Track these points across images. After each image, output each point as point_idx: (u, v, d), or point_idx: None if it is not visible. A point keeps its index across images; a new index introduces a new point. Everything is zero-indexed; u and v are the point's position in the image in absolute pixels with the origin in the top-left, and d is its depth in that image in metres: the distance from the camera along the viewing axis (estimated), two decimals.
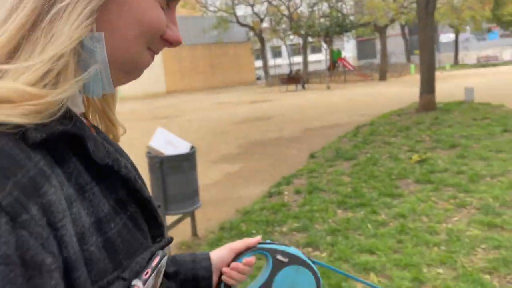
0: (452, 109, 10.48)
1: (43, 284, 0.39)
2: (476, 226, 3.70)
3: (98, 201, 0.49)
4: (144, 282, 0.51)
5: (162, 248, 0.58)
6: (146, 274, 0.51)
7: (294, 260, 0.84)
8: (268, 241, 0.87)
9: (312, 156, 7.18)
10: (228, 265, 0.82)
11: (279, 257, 0.84)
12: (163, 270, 0.58)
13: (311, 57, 42.24)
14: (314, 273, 0.85)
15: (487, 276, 2.90)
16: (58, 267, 0.41)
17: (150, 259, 0.54)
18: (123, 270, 0.49)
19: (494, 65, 28.98)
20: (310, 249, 3.54)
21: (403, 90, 17.54)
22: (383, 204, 4.45)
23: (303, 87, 25.43)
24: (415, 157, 6.17)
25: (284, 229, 4.07)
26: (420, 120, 9.39)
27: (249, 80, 39.09)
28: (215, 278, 0.82)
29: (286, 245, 0.86)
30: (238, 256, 0.83)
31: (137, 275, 0.51)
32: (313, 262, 0.86)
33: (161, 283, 0.59)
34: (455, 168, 5.47)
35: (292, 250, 0.85)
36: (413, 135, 7.94)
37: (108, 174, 0.51)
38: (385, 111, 11.61)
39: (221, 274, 0.82)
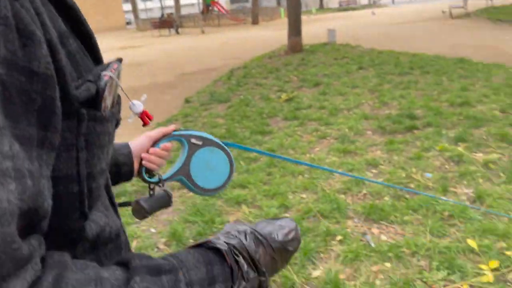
0: (316, 50, 11.17)
1: (35, 52, 0.43)
2: (334, 154, 4.13)
3: (57, 18, 0.52)
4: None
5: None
6: (111, 71, 0.56)
7: (208, 142, 0.92)
8: (182, 128, 0.94)
9: (187, 101, 7.12)
10: (147, 152, 0.89)
11: (193, 140, 0.91)
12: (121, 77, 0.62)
13: (184, 0, 40.64)
14: (226, 152, 0.94)
15: (342, 196, 3.29)
16: (44, 42, 0.45)
17: (108, 66, 0.57)
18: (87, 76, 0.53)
19: (353, 9, 31.30)
20: (185, 191, 3.60)
21: (274, 33, 18.06)
22: (254, 142, 4.68)
23: (177, 32, 24.59)
24: (284, 96, 6.52)
25: None
26: (289, 62, 9.86)
27: (118, 25, 36.33)
28: (136, 165, 0.89)
29: (199, 131, 0.94)
30: (155, 143, 0.91)
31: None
32: (225, 144, 0.94)
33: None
34: (318, 104, 5.94)
35: (205, 134, 0.93)
36: (282, 76, 8.34)
37: (56, 3, 0.54)
38: (257, 54, 11.89)
39: (141, 160, 0.89)
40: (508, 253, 2.45)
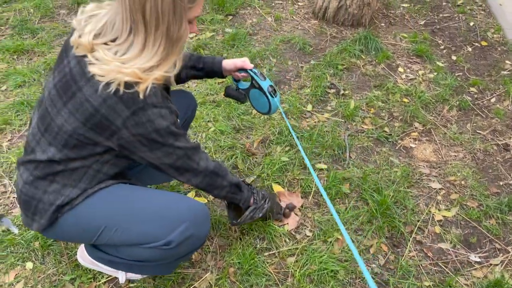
0: None
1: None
2: (3, 57, 2.83)
3: None
4: None
5: None
6: None
7: (260, 88, 1.56)
8: (255, 70, 1.57)
9: None
10: (234, 71, 1.61)
11: (254, 82, 1.57)
12: None
13: None
14: (268, 100, 1.56)
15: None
16: None
17: None
18: None
19: None
20: None
21: None
22: None
23: None
24: None
25: None
26: None
27: None
28: (224, 73, 1.61)
29: (263, 78, 1.56)
30: (238, 69, 1.59)
31: None
32: (272, 97, 1.55)
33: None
34: None
35: (263, 84, 1.55)
36: None
37: None
38: None
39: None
40: None
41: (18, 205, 1.32)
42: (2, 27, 3.13)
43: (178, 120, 1.20)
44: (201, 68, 1.60)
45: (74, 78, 1.09)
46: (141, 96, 1.06)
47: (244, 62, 1.58)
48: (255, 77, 1.56)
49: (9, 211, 1.87)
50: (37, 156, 1.18)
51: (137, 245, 1.27)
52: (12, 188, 1.97)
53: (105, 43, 1.07)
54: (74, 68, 1.10)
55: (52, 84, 1.15)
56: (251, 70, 1.57)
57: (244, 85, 1.65)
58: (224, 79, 2.63)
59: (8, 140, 2.21)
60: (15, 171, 1.37)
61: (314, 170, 2.08)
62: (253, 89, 1.60)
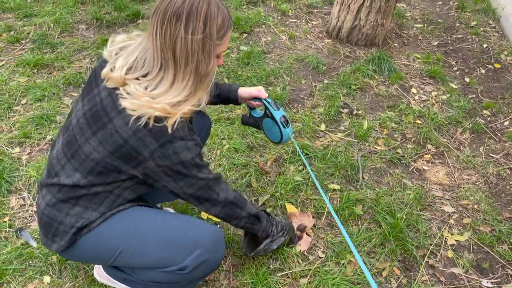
0: None
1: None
2: (24, 71, 2.91)
3: None
4: None
5: None
6: None
7: (273, 118, 1.60)
8: (269, 99, 1.61)
9: None
10: (249, 99, 1.66)
11: (267, 111, 1.62)
12: None
13: None
14: (280, 130, 1.61)
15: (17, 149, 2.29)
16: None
17: None
18: None
19: None
20: None
21: None
22: None
23: None
24: None
25: None
26: None
27: None
28: (240, 100, 1.67)
29: (276, 108, 1.60)
30: (253, 98, 1.65)
31: None
32: (284, 127, 1.60)
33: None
34: None
35: (276, 114, 1.59)
36: None
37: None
38: None
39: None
40: None
41: (38, 225, 1.36)
42: (22, 41, 3.22)
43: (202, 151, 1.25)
44: (217, 94, 1.65)
45: (104, 109, 1.13)
46: (169, 130, 1.10)
47: (260, 91, 1.62)
48: (269, 106, 1.61)
49: (28, 224, 1.92)
50: (61, 180, 1.22)
51: (153, 268, 1.30)
52: (31, 201, 2.02)
53: (137, 78, 1.11)
54: (105, 99, 1.14)
55: (82, 113, 1.19)
56: (265, 99, 1.62)
57: (259, 113, 1.71)
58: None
59: (28, 154, 2.27)
60: (38, 192, 1.41)
61: (327, 191, 2.10)
62: (266, 118, 1.65)
